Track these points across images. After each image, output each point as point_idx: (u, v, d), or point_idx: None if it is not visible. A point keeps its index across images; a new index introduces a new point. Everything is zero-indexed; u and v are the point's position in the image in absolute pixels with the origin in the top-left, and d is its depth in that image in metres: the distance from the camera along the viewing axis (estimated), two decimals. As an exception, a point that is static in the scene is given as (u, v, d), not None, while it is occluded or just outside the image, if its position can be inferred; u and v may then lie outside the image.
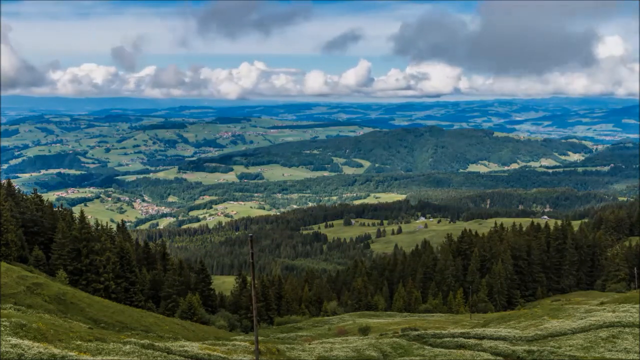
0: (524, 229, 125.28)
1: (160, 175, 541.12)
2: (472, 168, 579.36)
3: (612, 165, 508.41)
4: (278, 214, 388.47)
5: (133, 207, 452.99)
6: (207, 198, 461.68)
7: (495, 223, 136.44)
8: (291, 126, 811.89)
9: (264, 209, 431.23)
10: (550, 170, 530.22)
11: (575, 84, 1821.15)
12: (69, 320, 33.54)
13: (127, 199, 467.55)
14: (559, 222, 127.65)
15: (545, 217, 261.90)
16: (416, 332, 38.45)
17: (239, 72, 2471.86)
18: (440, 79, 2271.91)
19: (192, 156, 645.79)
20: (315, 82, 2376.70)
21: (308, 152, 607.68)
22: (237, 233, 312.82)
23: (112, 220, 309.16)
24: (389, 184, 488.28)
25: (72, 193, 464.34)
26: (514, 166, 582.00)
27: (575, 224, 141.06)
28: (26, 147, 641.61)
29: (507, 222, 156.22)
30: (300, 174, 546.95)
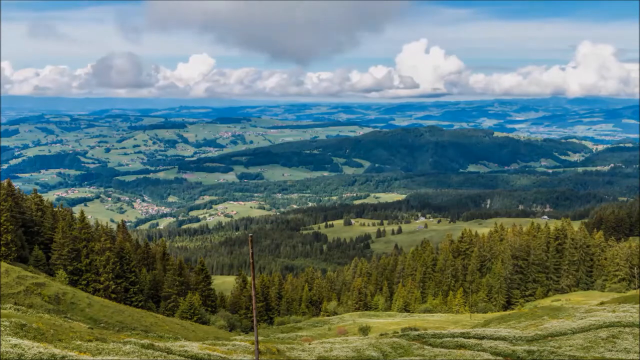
0: (524, 229, 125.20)
1: (160, 175, 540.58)
2: (472, 168, 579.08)
3: (612, 165, 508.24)
4: (278, 214, 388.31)
5: (133, 207, 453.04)
6: (207, 198, 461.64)
7: (495, 223, 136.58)
8: (291, 126, 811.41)
9: (264, 209, 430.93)
10: (550, 170, 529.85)
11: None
12: (69, 320, 33.53)
13: (127, 199, 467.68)
14: (559, 222, 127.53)
15: (545, 217, 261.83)
16: (416, 332, 38.50)
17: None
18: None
19: (192, 156, 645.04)
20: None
21: (308, 152, 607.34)
22: (237, 233, 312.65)
23: (112, 220, 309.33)
24: (389, 184, 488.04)
25: (72, 193, 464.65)
26: (514, 166, 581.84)
27: (575, 224, 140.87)
28: (26, 147, 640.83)
29: (507, 222, 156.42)
30: (300, 174, 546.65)
